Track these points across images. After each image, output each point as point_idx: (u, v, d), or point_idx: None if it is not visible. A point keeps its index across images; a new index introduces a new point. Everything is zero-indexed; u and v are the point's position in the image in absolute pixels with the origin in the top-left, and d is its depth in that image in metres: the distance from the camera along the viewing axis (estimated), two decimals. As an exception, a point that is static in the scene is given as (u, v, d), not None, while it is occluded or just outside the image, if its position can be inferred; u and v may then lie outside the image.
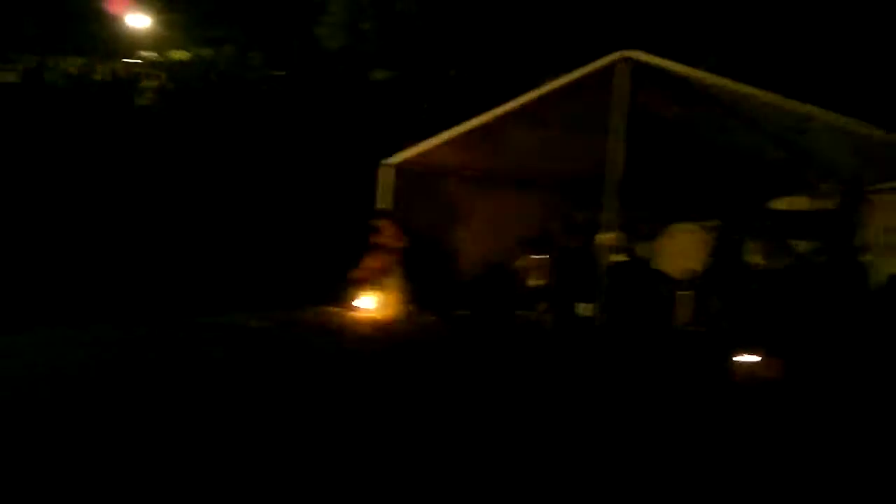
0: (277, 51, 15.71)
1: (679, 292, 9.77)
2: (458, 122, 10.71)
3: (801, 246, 10.56)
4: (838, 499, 4.23)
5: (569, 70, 9.92)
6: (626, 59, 9.07)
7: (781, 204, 11.12)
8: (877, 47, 12.07)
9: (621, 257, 11.29)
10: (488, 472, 4.28)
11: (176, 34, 15.50)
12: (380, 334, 8.85)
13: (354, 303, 10.17)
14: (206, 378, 6.21)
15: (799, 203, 10.80)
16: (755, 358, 7.41)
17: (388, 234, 10.46)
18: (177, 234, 12.19)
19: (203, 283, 10.72)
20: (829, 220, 10.44)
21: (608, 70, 9.21)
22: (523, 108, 10.25)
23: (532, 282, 10.81)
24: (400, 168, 11.36)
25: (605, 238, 9.81)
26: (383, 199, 11.08)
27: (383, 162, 11.33)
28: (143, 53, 15.52)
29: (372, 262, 10.42)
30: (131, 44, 15.74)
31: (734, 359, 7.56)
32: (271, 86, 15.33)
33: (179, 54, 15.48)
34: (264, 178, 13.35)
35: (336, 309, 10.14)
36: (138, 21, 15.59)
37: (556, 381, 6.79)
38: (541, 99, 10.15)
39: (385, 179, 11.27)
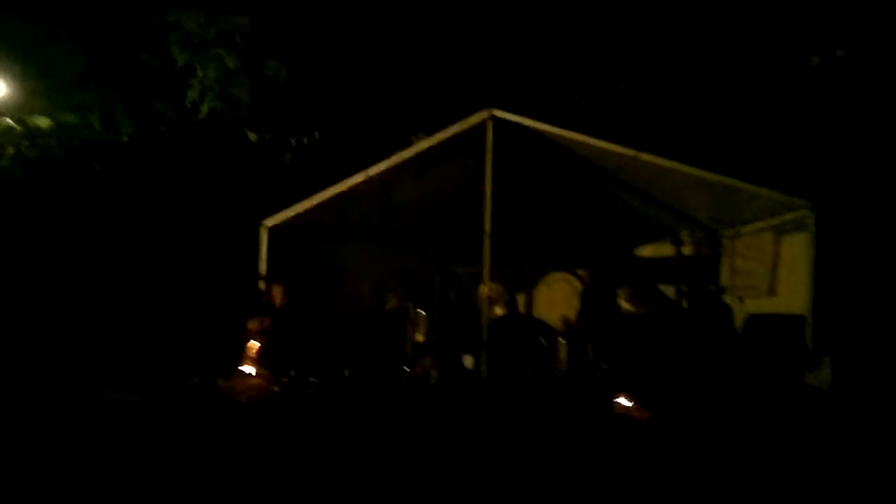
0: (147, 115, 15.37)
1: (557, 340, 10.05)
2: (333, 182, 10.75)
3: (669, 291, 11.18)
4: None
5: (439, 128, 10.18)
6: (492, 117, 9.41)
7: (646, 251, 11.77)
8: (728, 101, 12.96)
9: (501, 309, 11.60)
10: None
11: (37, 100, 14.86)
12: (257, 402, 8.62)
13: (237, 370, 9.91)
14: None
15: (662, 250, 11.44)
16: (629, 402, 7.68)
17: (269, 296, 10.33)
18: (45, 306, 11.60)
19: (77, 357, 10.23)
20: (690, 265, 11.11)
21: (476, 127, 9.53)
22: (398, 166, 10.44)
23: (416, 337, 10.87)
24: (278, 229, 11.30)
25: (485, 290, 10.02)
26: (264, 261, 10.97)
27: (262, 223, 11.27)
28: (4, 120, 14.79)
29: (255, 326, 10.25)
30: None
31: (610, 404, 7.82)
32: (143, 151, 14.98)
33: (41, 121, 14.85)
34: (141, 245, 12.96)
35: (217, 378, 9.84)
36: (-6, 87, 14.88)
37: (440, 434, 6.81)
38: (414, 156, 10.36)
39: (264, 241, 11.20)
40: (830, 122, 11.49)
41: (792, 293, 9.00)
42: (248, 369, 9.90)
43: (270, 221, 11.27)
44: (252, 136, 14.74)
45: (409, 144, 11.67)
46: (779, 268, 9.53)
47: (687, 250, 11.21)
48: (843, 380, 7.68)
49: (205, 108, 14.47)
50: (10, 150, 14.07)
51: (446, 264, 10.74)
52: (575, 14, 14.23)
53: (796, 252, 9.00)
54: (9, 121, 14.67)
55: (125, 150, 14.93)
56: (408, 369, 10.03)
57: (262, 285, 10.40)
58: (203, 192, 13.83)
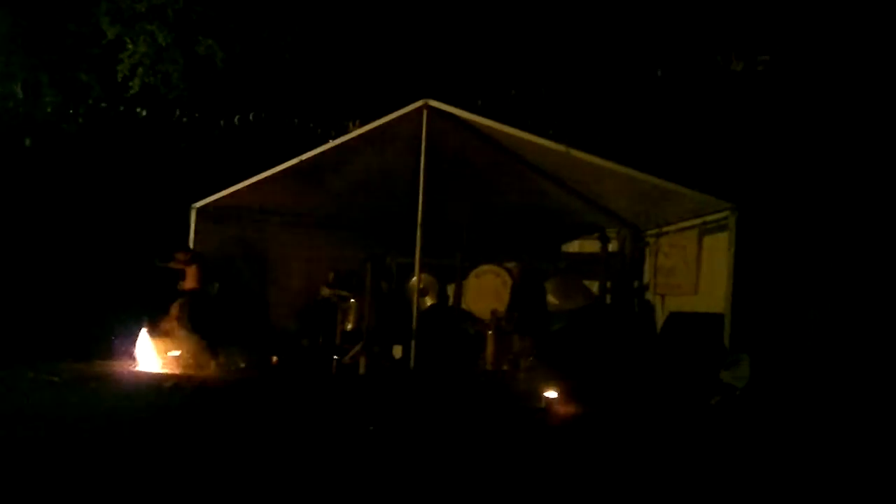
0: (74, 87, 14.88)
1: (485, 332, 10.18)
2: (265, 167, 10.63)
3: (594, 287, 11.42)
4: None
5: (375, 116, 10.15)
6: (427, 106, 9.43)
7: (573, 247, 12.00)
8: (657, 103, 13.28)
9: (432, 299, 11.70)
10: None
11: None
12: (177, 386, 8.49)
13: (155, 353, 9.73)
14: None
15: (589, 246, 11.66)
16: (555, 394, 7.84)
17: (192, 278, 10.14)
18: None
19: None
20: (615, 262, 11.37)
21: (412, 116, 9.52)
22: (332, 151, 10.40)
23: (345, 325, 10.88)
24: (206, 211, 11.12)
25: (416, 281, 10.08)
26: (190, 243, 10.79)
27: (192, 206, 11.08)
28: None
29: (175, 310, 10.07)
30: None
31: (535, 396, 7.97)
32: (65, 124, 14.53)
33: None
34: (62, 224, 12.60)
35: (132, 360, 9.67)
36: None
37: (366, 423, 6.85)
38: (349, 143, 10.32)
39: (192, 223, 11.03)
40: (753, 126, 11.89)
41: (712, 292, 9.25)
42: (175, 353, 9.74)
43: (200, 203, 11.12)
44: (183, 117, 14.39)
45: (344, 131, 11.59)
46: (701, 267, 9.82)
47: (613, 247, 11.46)
48: (760, 378, 7.95)
49: (136, 84, 14.11)
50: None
51: (378, 254, 10.74)
52: (515, 12, 14.36)
53: (717, 252, 9.26)
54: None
55: (50, 125, 14.45)
56: (337, 357, 10.02)
57: (184, 268, 10.13)
58: (132, 171, 13.48)
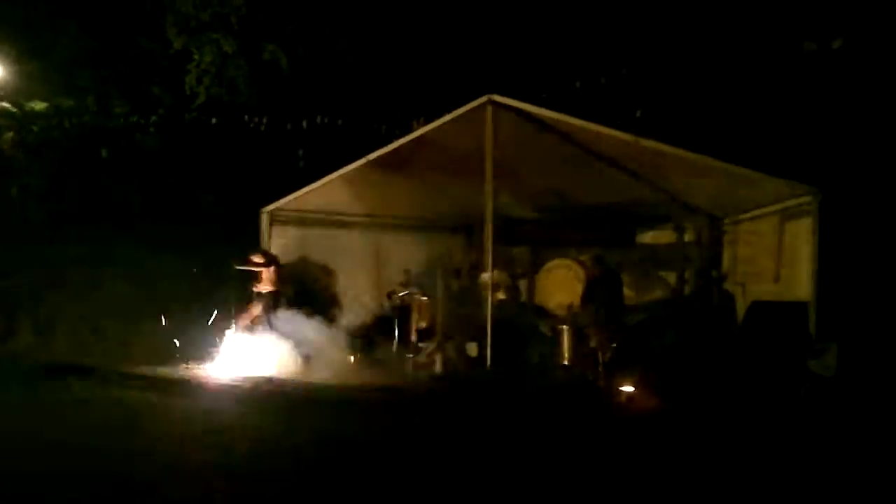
0: (143, 98, 15.30)
1: (560, 327, 10.03)
2: (333, 169, 10.69)
3: (670, 278, 11.17)
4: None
5: (439, 114, 10.08)
6: (491, 101, 9.29)
7: (647, 237, 11.72)
8: (731, 87, 12.88)
9: (504, 295, 11.59)
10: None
11: (34, 84, 14.81)
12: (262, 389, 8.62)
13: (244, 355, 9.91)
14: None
15: (664, 236, 11.39)
16: (634, 389, 7.69)
17: (268, 280, 10.29)
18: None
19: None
20: (692, 252, 11.09)
21: (476, 112, 9.38)
22: (398, 151, 10.34)
23: (419, 324, 10.85)
24: (277, 215, 11.26)
25: (488, 277, 9.98)
26: (262, 247, 10.94)
27: (262, 210, 11.23)
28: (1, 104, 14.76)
29: (251, 311, 10.25)
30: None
31: (615, 391, 7.83)
32: (140, 134, 14.95)
33: (37, 104, 14.82)
34: (140, 227, 12.98)
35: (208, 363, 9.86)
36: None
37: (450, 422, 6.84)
38: (415, 142, 10.27)
39: (263, 227, 11.18)
40: (833, 108, 11.43)
41: (795, 280, 8.96)
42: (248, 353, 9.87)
43: (270, 207, 11.26)
44: (251, 123, 14.64)
45: (409, 130, 11.56)
46: (782, 254, 9.50)
47: (689, 237, 11.18)
48: (849, 367, 7.65)
49: (202, 93, 14.42)
50: (9, 134, 14.02)
51: (448, 251, 10.70)
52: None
53: (799, 238, 8.96)
54: (6, 104, 14.63)
55: (123, 135, 14.88)
56: (411, 356, 10.02)
57: (258, 271, 10.28)
58: (204, 178, 13.78)
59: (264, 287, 10.29)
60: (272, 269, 10.34)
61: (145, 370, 9.49)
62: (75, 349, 10.74)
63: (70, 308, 11.71)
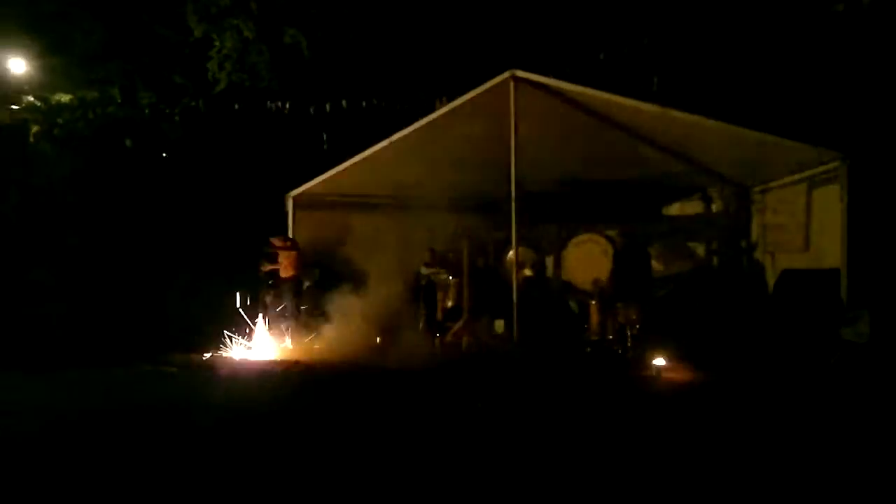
0: (167, 87, 15.39)
1: (588, 302, 10.01)
2: (356, 152, 10.69)
3: (699, 249, 11.06)
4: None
5: (461, 92, 10.02)
6: (514, 77, 9.22)
7: (674, 209, 11.61)
8: (754, 53, 12.65)
9: (530, 271, 11.57)
10: None
11: (58, 77, 14.94)
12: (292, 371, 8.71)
13: (270, 340, 10.03)
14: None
15: (691, 207, 11.28)
16: (665, 362, 7.66)
17: (290, 265, 10.36)
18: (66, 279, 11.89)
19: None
20: (720, 222, 10.98)
21: (499, 87, 9.32)
22: (421, 130, 10.30)
23: (446, 303, 10.88)
24: (302, 199, 11.31)
25: (514, 255, 9.96)
26: (288, 232, 11.01)
27: (287, 195, 11.28)
28: (27, 98, 14.92)
29: (272, 295, 10.37)
30: (9, 89, 15.10)
31: (645, 364, 7.81)
32: (164, 123, 15.04)
33: (63, 97, 14.97)
34: (166, 215, 13.09)
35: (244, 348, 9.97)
36: (15, 66, 14.97)
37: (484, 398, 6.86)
38: (438, 121, 10.21)
39: (289, 211, 11.24)
40: (860, 71, 11.18)
41: (825, 247, 8.84)
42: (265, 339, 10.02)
43: (295, 192, 11.32)
44: (272, 107, 14.67)
45: (432, 109, 11.51)
46: (811, 222, 9.39)
47: (716, 207, 11.06)
48: (882, 334, 7.56)
49: (224, 79, 14.47)
50: (35, 128, 14.18)
51: (473, 229, 10.67)
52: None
53: (829, 205, 8.81)
54: (31, 98, 14.79)
55: (149, 125, 14.98)
56: (439, 335, 10.05)
57: (280, 254, 10.38)
58: (229, 164, 13.85)
59: (286, 272, 10.36)
60: (294, 254, 10.41)
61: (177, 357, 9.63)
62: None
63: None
